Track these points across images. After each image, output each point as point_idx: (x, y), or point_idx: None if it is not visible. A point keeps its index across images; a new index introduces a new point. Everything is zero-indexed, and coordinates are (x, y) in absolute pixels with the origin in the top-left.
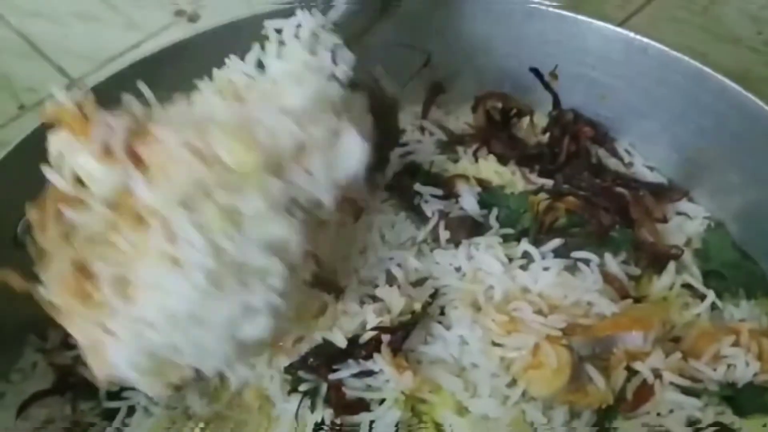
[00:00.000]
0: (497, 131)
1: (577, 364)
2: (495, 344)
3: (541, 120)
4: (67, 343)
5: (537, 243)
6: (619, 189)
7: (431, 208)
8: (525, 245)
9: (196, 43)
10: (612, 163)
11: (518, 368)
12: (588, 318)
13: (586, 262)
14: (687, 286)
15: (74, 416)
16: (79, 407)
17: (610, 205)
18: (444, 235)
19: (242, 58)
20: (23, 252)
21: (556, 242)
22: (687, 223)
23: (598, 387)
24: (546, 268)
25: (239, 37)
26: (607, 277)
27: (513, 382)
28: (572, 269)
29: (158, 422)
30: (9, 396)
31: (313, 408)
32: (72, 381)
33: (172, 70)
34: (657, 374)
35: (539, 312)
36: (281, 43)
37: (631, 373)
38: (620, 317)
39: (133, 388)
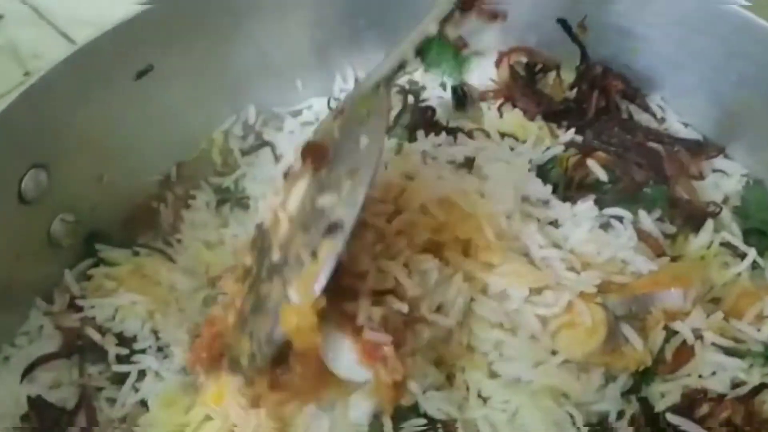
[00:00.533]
0: (522, 87)
1: (613, 323)
2: (529, 302)
3: (569, 75)
4: (74, 305)
5: (566, 200)
6: (653, 144)
7: None
8: (554, 202)
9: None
10: (644, 119)
11: (552, 328)
12: (623, 276)
13: (619, 219)
14: (726, 244)
15: (82, 380)
16: (86, 371)
17: (643, 161)
18: None
19: None
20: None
21: (587, 199)
22: (724, 181)
23: (635, 348)
24: (577, 225)
25: None
26: (642, 235)
27: (548, 345)
28: (605, 227)
29: (169, 387)
30: (14, 360)
31: None
32: (79, 344)
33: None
34: (697, 335)
35: (572, 269)
36: None
37: (670, 333)
38: (658, 275)
39: (143, 351)
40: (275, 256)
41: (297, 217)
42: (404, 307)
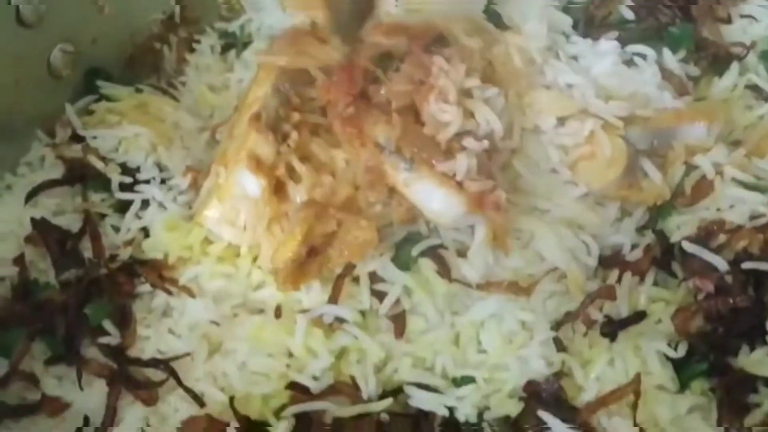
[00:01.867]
0: None
1: (633, 156)
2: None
3: None
4: (76, 136)
5: (588, 37)
6: None
7: None
8: (575, 38)
9: None
10: None
11: (572, 158)
12: (647, 110)
13: (643, 56)
14: (751, 87)
15: (86, 206)
16: (90, 198)
17: (671, 1)
18: None
19: None
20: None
21: (610, 36)
22: (753, 26)
23: (654, 182)
24: (600, 59)
25: None
26: (665, 74)
27: (567, 178)
28: (628, 63)
29: (172, 214)
30: (17, 188)
31: None
32: (82, 173)
33: None
34: (718, 170)
35: (599, 97)
36: None
37: (690, 168)
38: (682, 110)
39: (147, 182)
40: None
41: None
42: (485, 143)
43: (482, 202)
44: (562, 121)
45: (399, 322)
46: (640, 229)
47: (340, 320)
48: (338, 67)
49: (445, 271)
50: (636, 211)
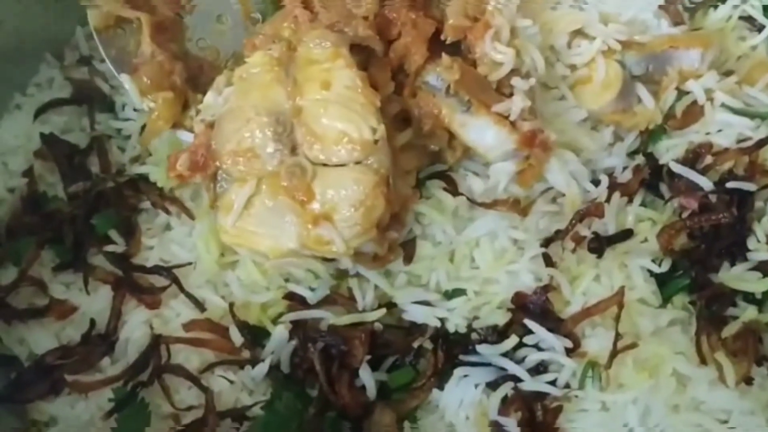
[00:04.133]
0: None
1: (628, 80)
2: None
3: None
4: (84, 59)
5: None
6: None
7: None
8: None
9: None
10: None
11: (570, 82)
12: (644, 35)
13: None
14: (745, 18)
15: (92, 131)
16: (96, 119)
17: None
18: None
19: None
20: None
21: None
22: None
23: (647, 106)
24: None
25: None
26: (663, 2)
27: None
28: None
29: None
30: (26, 107)
31: None
32: (89, 94)
33: None
34: (709, 96)
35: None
36: None
37: (682, 94)
38: (678, 36)
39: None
40: None
41: None
42: (532, 81)
43: (532, 141)
44: (570, 41)
45: (409, 248)
46: (632, 154)
47: None
48: None
49: (452, 187)
50: (628, 135)
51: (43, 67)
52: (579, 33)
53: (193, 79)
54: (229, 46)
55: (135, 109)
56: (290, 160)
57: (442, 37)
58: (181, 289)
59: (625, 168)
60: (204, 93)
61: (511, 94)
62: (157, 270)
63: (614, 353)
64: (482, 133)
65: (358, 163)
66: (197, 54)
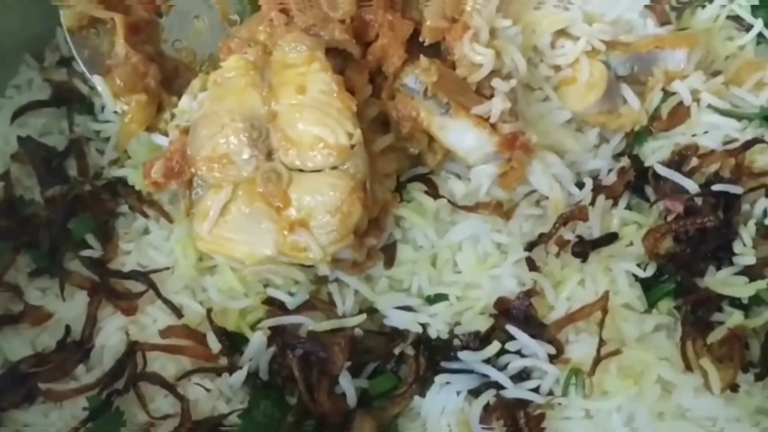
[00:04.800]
0: None
1: (613, 81)
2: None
3: None
4: (63, 60)
5: None
6: None
7: None
8: None
9: None
10: None
11: (554, 83)
12: (629, 35)
13: None
14: (733, 18)
15: (71, 134)
16: (74, 121)
17: None
18: None
19: None
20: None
21: None
22: None
23: (632, 108)
24: None
25: None
26: (649, 2)
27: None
28: None
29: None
30: (4, 109)
31: None
32: (68, 95)
33: None
34: (695, 97)
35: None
36: None
37: (668, 95)
38: (663, 36)
39: None
40: None
41: None
42: (513, 83)
43: (513, 143)
44: (554, 41)
45: (389, 252)
46: (618, 156)
47: None
48: None
49: (433, 190)
50: (614, 137)
51: (22, 69)
52: (563, 33)
53: (168, 81)
54: (206, 48)
55: (115, 112)
56: (266, 165)
57: (420, 39)
58: (158, 294)
59: (610, 170)
60: (179, 95)
61: (491, 96)
62: (133, 275)
63: (598, 360)
64: (462, 135)
65: (334, 168)
66: (173, 55)
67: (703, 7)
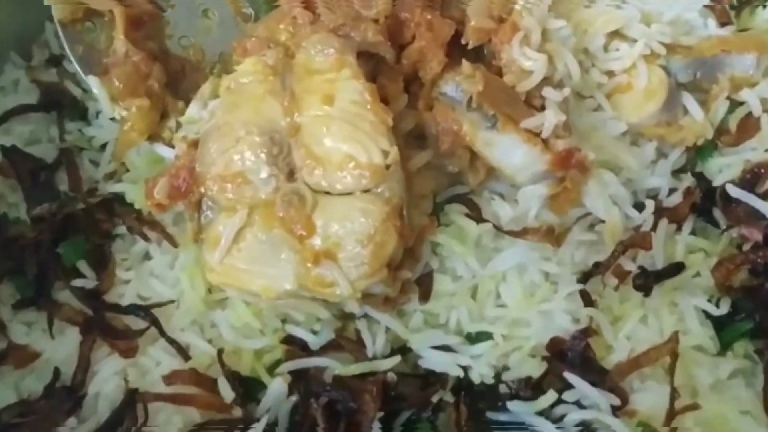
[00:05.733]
0: None
1: (674, 89)
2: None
3: None
4: (54, 58)
5: None
6: None
7: None
8: None
9: None
10: None
11: (607, 90)
12: (690, 37)
13: None
14: None
15: (62, 143)
16: (66, 129)
17: None
18: None
19: None
20: None
21: None
22: None
23: (695, 119)
24: None
25: None
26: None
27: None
28: None
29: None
30: None
31: None
32: (59, 99)
33: None
34: (766, 107)
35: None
36: None
37: (735, 104)
38: (728, 38)
39: None
40: None
41: None
42: (566, 92)
43: (567, 162)
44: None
45: (425, 284)
46: (677, 172)
47: None
48: None
49: (475, 213)
50: (673, 152)
51: (8, 68)
52: (617, 34)
53: (174, 83)
54: (217, 46)
55: (113, 118)
56: (287, 187)
57: (463, 41)
58: (162, 332)
59: (672, 191)
60: (186, 100)
61: (542, 107)
62: (133, 310)
63: (672, 414)
64: (510, 152)
65: (366, 191)
66: (179, 54)
67: (765, 6)
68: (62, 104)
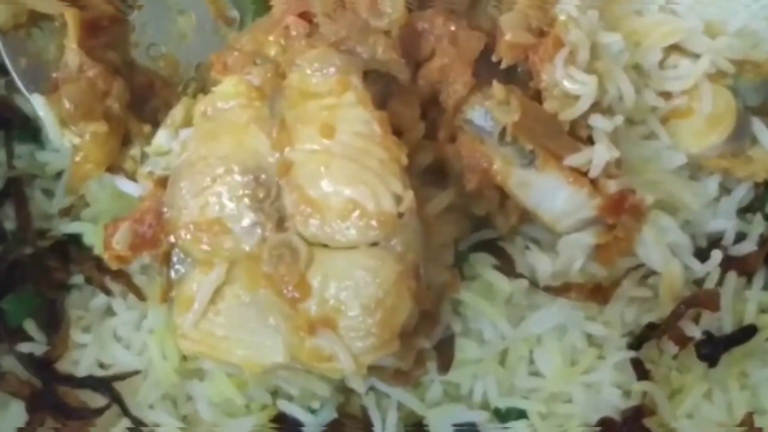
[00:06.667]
0: None
1: (742, 114)
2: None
3: None
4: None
5: None
6: None
7: None
8: None
9: None
10: None
11: (662, 114)
12: (760, 51)
13: None
14: None
15: (9, 170)
16: (14, 153)
17: None
18: None
19: None
20: None
21: None
22: None
23: (766, 150)
24: None
25: None
26: None
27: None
28: None
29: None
30: None
31: None
32: (6, 117)
33: None
34: None
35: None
36: None
37: None
38: None
39: None
40: None
41: None
42: (619, 121)
43: (620, 206)
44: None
45: (445, 351)
46: (742, 211)
47: None
48: None
49: (506, 265)
50: (738, 187)
51: None
52: (675, 48)
53: (139, 102)
54: (193, 56)
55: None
56: (275, 238)
57: (494, 58)
58: (125, 411)
59: (739, 235)
60: (153, 123)
61: (588, 138)
62: (90, 383)
63: None
64: (551, 195)
65: (374, 245)
66: (147, 65)
67: None
68: (11, 122)
